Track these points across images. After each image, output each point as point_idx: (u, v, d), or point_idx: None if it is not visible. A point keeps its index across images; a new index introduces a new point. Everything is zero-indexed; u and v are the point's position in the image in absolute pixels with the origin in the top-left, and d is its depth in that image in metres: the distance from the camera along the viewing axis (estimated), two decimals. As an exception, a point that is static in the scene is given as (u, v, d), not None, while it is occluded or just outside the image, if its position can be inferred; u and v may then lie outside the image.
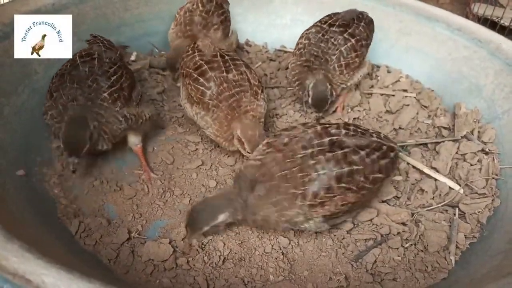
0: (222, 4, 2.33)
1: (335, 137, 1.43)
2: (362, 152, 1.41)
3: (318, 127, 1.48)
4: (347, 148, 1.40)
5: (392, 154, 1.50)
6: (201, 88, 1.73)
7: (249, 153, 1.65)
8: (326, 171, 1.35)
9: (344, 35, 2.02)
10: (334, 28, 2.05)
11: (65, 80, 1.66)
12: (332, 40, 2.02)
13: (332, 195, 1.36)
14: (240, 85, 1.73)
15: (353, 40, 2.02)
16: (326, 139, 1.41)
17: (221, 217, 1.44)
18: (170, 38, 2.33)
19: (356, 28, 2.07)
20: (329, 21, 2.11)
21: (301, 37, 2.15)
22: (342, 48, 2.00)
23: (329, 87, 1.98)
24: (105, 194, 1.76)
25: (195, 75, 1.75)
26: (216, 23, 2.24)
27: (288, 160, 1.39)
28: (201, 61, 1.78)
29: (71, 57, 1.78)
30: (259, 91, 1.79)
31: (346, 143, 1.42)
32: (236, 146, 1.74)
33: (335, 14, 2.18)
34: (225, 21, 2.31)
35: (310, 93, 2.00)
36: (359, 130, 1.51)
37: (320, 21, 2.16)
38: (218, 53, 1.83)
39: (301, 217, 1.40)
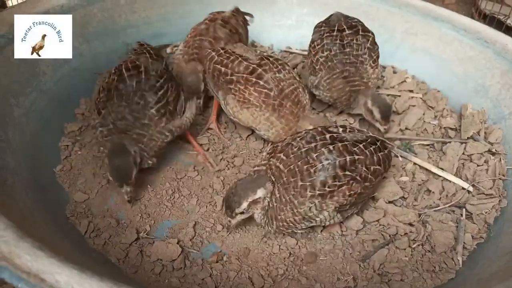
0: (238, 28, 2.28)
1: (335, 134, 1.52)
2: (361, 145, 1.50)
3: (319, 128, 1.57)
4: (346, 142, 1.49)
5: (386, 150, 1.60)
6: (264, 90, 1.74)
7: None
8: (329, 161, 1.43)
9: (360, 33, 2.05)
10: (347, 32, 2.05)
11: (112, 96, 1.66)
12: (354, 41, 2.02)
13: (339, 183, 1.43)
14: (293, 83, 1.81)
15: (371, 34, 2.07)
16: (328, 135, 1.50)
17: (260, 192, 1.44)
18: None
19: (361, 25, 2.12)
20: (336, 27, 2.08)
21: (316, 52, 2.07)
22: (368, 45, 2.03)
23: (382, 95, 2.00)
24: (114, 194, 1.77)
25: (253, 79, 1.75)
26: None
27: (293, 155, 1.45)
28: (253, 65, 1.78)
29: (117, 69, 1.74)
30: (304, 86, 1.89)
31: (346, 137, 1.52)
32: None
33: (326, 21, 2.18)
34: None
35: (375, 109, 1.94)
36: (355, 128, 1.62)
37: (325, 31, 2.10)
38: (262, 56, 1.86)
39: (314, 210, 1.44)
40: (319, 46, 2.07)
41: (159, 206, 1.74)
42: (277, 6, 2.77)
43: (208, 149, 2.02)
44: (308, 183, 1.41)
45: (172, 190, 1.80)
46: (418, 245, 1.64)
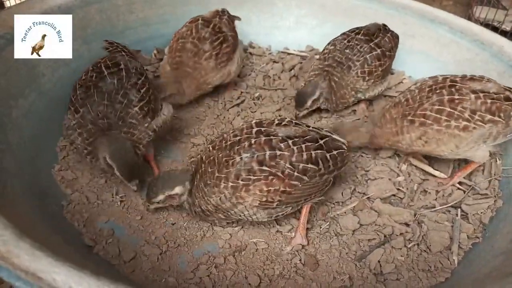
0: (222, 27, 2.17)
1: (263, 128, 1.49)
2: (289, 140, 1.44)
3: (253, 121, 1.54)
4: (273, 136, 1.44)
5: (335, 151, 1.50)
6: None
7: None
8: (248, 155, 1.41)
9: (370, 44, 2.07)
10: (360, 36, 2.10)
11: (92, 94, 1.59)
12: (358, 47, 2.06)
13: (254, 177, 1.40)
14: None
15: (378, 50, 2.07)
16: (255, 129, 1.48)
17: (177, 189, 1.53)
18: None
19: (382, 38, 2.12)
20: (356, 30, 2.16)
21: (328, 43, 2.20)
22: (367, 56, 2.05)
23: (317, 89, 2.06)
24: (111, 194, 1.78)
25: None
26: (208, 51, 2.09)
27: (217, 147, 1.48)
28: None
29: (96, 66, 1.71)
30: None
31: (275, 132, 1.47)
32: None
33: (359, 27, 2.21)
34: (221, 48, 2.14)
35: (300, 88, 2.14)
36: (294, 121, 1.55)
37: (348, 30, 2.20)
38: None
39: (227, 203, 1.45)
40: (333, 39, 2.19)
41: (157, 206, 1.75)
42: (275, 7, 2.78)
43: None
44: (223, 175, 1.41)
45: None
46: (414, 244, 1.65)
